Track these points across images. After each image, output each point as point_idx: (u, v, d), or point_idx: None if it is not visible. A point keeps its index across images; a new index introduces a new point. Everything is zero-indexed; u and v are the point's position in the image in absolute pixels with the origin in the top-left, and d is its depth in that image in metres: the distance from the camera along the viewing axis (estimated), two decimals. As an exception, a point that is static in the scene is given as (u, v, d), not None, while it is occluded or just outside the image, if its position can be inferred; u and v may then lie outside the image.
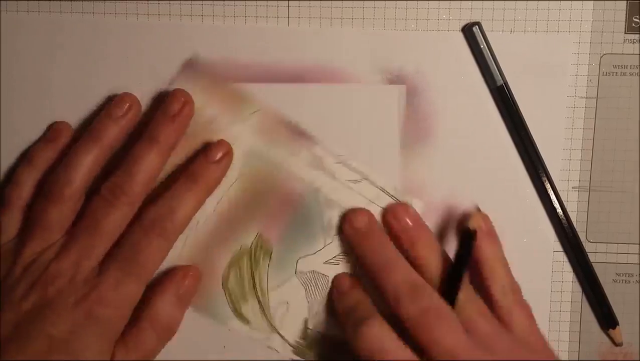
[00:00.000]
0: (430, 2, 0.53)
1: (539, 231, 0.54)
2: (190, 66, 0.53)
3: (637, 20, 0.52)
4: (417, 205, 0.54)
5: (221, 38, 0.53)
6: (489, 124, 0.53)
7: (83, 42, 0.53)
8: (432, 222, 0.54)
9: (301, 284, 0.55)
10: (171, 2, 0.53)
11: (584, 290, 0.55)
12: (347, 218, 0.53)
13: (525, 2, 0.52)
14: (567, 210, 0.53)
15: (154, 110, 0.52)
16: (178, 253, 0.54)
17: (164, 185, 0.53)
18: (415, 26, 0.53)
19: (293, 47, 0.53)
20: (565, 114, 0.53)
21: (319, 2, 0.53)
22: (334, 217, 0.54)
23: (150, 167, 0.51)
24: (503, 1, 0.52)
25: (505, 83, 0.52)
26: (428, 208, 0.54)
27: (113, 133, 0.52)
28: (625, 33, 0.52)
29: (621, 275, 0.55)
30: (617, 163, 0.54)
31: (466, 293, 0.50)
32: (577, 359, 0.55)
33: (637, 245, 0.54)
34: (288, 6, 0.53)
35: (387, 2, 0.53)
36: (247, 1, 0.53)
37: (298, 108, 0.53)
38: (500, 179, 0.54)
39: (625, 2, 0.52)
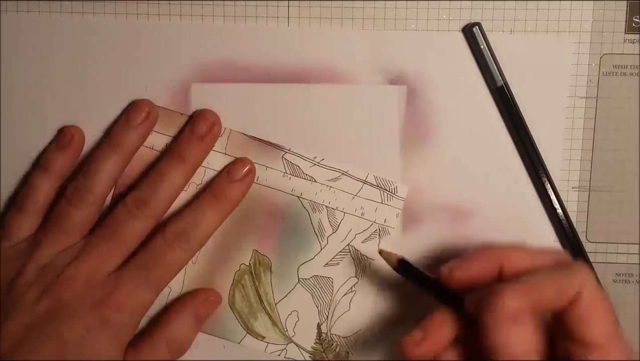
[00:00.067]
0: (430, 2, 0.52)
1: (539, 231, 0.54)
2: (191, 66, 0.53)
3: (637, 20, 0.52)
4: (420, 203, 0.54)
5: (221, 38, 0.53)
6: (489, 124, 0.53)
7: (83, 42, 0.53)
8: (432, 221, 0.54)
9: (307, 291, 0.55)
10: (171, 2, 0.53)
11: (584, 290, 0.55)
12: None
13: (525, 2, 0.52)
14: (567, 210, 0.53)
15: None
16: (181, 284, 0.55)
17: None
18: (415, 26, 0.53)
19: (293, 47, 0.53)
20: (565, 114, 0.53)
21: (319, 2, 0.53)
22: (323, 218, 0.54)
23: (175, 184, 0.52)
24: (503, 1, 0.52)
25: (505, 83, 0.52)
26: (428, 208, 0.54)
27: (132, 140, 0.52)
28: (625, 33, 0.52)
29: (621, 275, 0.55)
30: (617, 163, 0.54)
31: None
32: (577, 359, 0.55)
33: (637, 245, 0.54)
34: (288, 6, 0.53)
35: (387, 2, 0.52)
36: (247, 1, 0.53)
37: (298, 108, 0.53)
38: (500, 179, 0.54)
39: (625, 2, 0.52)
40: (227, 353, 0.55)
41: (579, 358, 0.42)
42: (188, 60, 0.53)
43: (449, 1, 0.52)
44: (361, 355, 0.55)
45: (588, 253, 0.54)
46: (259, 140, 0.54)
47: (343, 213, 0.54)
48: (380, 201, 0.54)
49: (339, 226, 0.54)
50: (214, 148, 0.53)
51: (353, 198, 0.54)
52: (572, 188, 0.54)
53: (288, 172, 0.54)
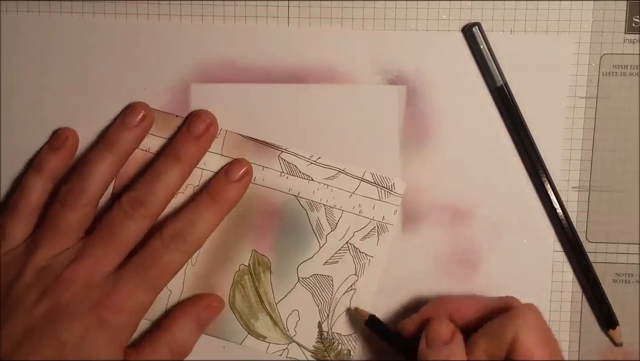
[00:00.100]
0: (430, 2, 0.53)
1: (539, 231, 0.54)
2: (191, 66, 0.53)
3: (637, 20, 0.52)
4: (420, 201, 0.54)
5: (221, 38, 0.53)
6: (489, 124, 0.53)
7: (83, 43, 0.53)
8: (431, 221, 0.54)
9: (307, 289, 0.55)
10: (171, 2, 0.53)
11: (584, 290, 0.55)
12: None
13: (525, 2, 0.52)
14: (567, 210, 0.53)
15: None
16: (180, 286, 0.55)
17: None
18: (415, 26, 0.53)
19: (293, 47, 0.53)
20: (565, 114, 0.53)
21: (319, 2, 0.53)
22: (321, 217, 0.54)
23: (171, 183, 0.52)
24: (503, 1, 0.52)
25: (505, 83, 0.52)
26: (428, 208, 0.54)
27: (127, 141, 0.52)
28: (625, 33, 0.52)
29: (621, 275, 0.55)
30: (617, 163, 0.54)
31: None
32: (577, 359, 0.55)
33: (637, 245, 0.54)
34: (288, 6, 0.53)
35: (387, 2, 0.53)
36: (247, 1, 0.53)
37: (298, 108, 0.53)
38: (500, 179, 0.54)
39: (625, 2, 0.52)
40: (227, 353, 0.56)
41: None
42: (188, 60, 0.53)
43: (449, 1, 0.52)
44: (363, 353, 0.55)
45: (588, 253, 0.54)
46: (255, 140, 0.54)
47: (341, 211, 0.54)
48: (378, 198, 0.54)
49: (337, 224, 0.54)
50: (210, 150, 0.54)
51: (351, 196, 0.54)
52: (572, 188, 0.54)
53: (285, 171, 0.54)
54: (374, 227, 0.54)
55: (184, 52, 0.53)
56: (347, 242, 0.54)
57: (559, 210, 0.53)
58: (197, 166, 0.53)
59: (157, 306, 0.54)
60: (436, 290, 0.54)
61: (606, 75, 0.53)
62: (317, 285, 0.55)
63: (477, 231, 0.54)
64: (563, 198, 0.53)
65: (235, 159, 0.54)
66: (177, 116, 0.53)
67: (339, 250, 0.54)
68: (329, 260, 0.55)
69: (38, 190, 0.52)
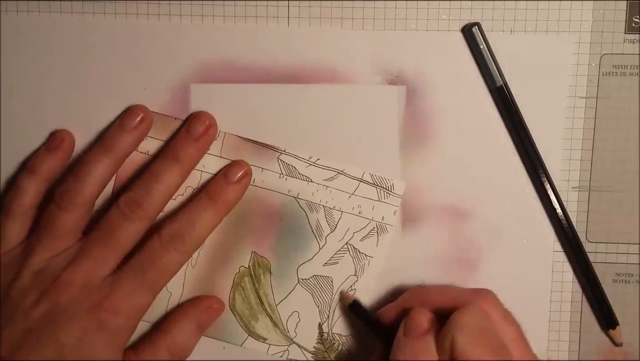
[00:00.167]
0: (430, 2, 0.52)
1: (539, 231, 0.54)
2: (191, 66, 0.53)
3: (637, 20, 0.52)
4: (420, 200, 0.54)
5: (221, 38, 0.53)
6: (488, 124, 0.53)
7: (83, 43, 0.53)
8: (431, 221, 0.54)
9: (307, 291, 0.55)
10: (171, 2, 0.53)
11: (584, 290, 0.55)
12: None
13: (525, 2, 0.52)
14: (567, 210, 0.53)
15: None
16: (180, 288, 0.55)
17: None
18: (415, 26, 0.53)
19: (293, 47, 0.53)
20: (565, 114, 0.53)
21: (319, 2, 0.53)
22: (320, 218, 0.54)
23: (169, 184, 0.52)
24: (503, 1, 0.52)
25: (505, 83, 0.52)
26: (428, 208, 0.54)
27: (125, 143, 0.52)
28: (625, 33, 0.52)
29: (621, 275, 0.55)
30: (617, 163, 0.54)
31: None
32: (577, 359, 0.55)
33: (637, 245, 0.54)
34: (288, 6, 0.53)
35: (387, 2, 0.53)
36: (247, 1, 0.53)
37: (298, 109, 0.53)
38: (500, 179, 0.54)
39: (625, 2, 0.52)
40: (228, 354, 0.56)
41: None
42: (188, 60, 0.53)
43: (448, 1, 0.52)
44: (363, 354, 0.55)
45: (588, 253, 0.54)
46: (254, 142, 0.54)
47: (340, 212, 0.54)
48: (377, 199, 0.54)
49: (336, 225, 0.54)
50: (209, 152, 0.54)
51: (350, 197, 0.54)
52: (572, 188, 0.54)
53: (284, 173, 0.54)
54: (374, 228, 0.54)
55: (184, 52, 0.53)
56: (346, 243, 0.54)
57: (559, 210, 0.53)
58: (196, 168, 0.53)
59: (156, 309, 0.55)
60: (436, 290, 0.54)
61: (606, 75, 0.53)
62: (317, 286, 0.55)
63: (477, 231, 0.54)
64: (563, 198, 0.53)
65: (234, 161, 0.54)
66: (176, 118, 0.53)
67: (339, 251, 0.55)
68: (329, 261, 0.55)
69: (31, 191, 0.52)
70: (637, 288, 0.55)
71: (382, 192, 0.54)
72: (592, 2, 0.52)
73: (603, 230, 0.54)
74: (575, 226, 0.54)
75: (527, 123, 0.53)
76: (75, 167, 0.52)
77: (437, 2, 0.52)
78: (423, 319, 0.48)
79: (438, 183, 0.54)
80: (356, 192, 0.54)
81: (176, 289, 0.55)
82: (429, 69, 0.53)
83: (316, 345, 0.56)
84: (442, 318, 0.48)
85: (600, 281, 0.54)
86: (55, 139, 0.53)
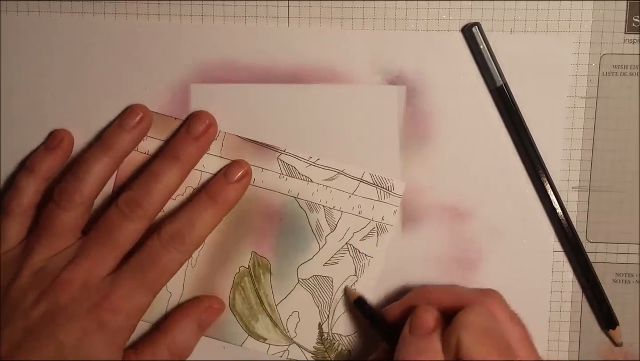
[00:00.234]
0: (430, 2, 0.52)
1: (539, 231, 0.54)
2: (191, 66, 0.53)
3: (637, 20, 0.52)
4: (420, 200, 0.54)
5: (221, 38, 0.53)
6: (488, 124, 0.53)
7: (83, 43, 0.53)
8: (431, 221, 0.54)
9: (307, 291, 0.55)
10: (171, 2, 0.53)
11: (584, 290, 0.55)
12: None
13: (525, 2, 0.52)
14: (567, 210, 0.53)
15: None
16: (180, 288, 0.55)
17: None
18: (415, 26, 0.53)
19: (293, 47, 0.53)
20: (565, 114, 0.53)
21: (319, 2, 0.53)
22: (320, 218, 0.54)
23: (169, 183, 0.52)
24: (503, 1, 0.52)
25: (505, 83, 0.52)
26: (428, 208, 0.54)
27: (124, 143, 0.52)
28: (625, 33, 0.52)
29: (621, 275, 0.55)
30: (617, 163, 0.54)
31: None
32: (577, 359, 0.55)
33: (637, 245, 0.54)
34: (288, 6, 0.53)
35: (387, 2, 0.53)
36: (247, 1, 0.53)
37: (298, 109, 0.53)
38: (500, 179, 0.54)
39: (625, 2, 0.52)
40: (228, 354, 0.56)
41: None
42: (188, 60, 0.53)
43: (448, 1, 0.52)
44: (363, 354, 0.55)
45: (588, 253, 0.54)
46: (254, 142, 0.54)
47: (340, 212, 0.54)
48: (377, 199, 0.54)
49: (336, 225, 0.54)
50: (209, 152, 0.54)
51: (350, 196, 0.54)
52: (572, 188, 0.54)
53: (284, 173, 0.54)
54: (374, 228, 0.54)
55: (184, 52, 0.53)
56: (346, 243, 0.54)
57: (559, 210, 0.53)
58: (196, 168, 0.53)
59: (156, 309, 0.55)
60: (436, 290, 0.54)
61: (606, 75, 0.53)
62: (317, 286, 0.55)
63: (477, 231, 0.54)
64: (563, 198, 0.53)
65: (234, 160, 0.54)
66: (175, 118, 0.53)
67: (339, 250, 0.55)
68: (329, 261, 0.55)
69: (30, 190, 0.52)
70: (637, 288, 0.55)
71: (382, 192, 0.54)
72: (592, 2, 0.52)
73: (603, 230, 0.54)
74: (575, 226, 0.54)
75: (527, 123, 0.53)
76: (74, 166, 0.52)
77: (437, 2, 0.52)
78: (429, 317, 0.48)
79: (438, 183, 0.54)
80: (356, 192, 0.54)
81: (176, 289, 0.55)
82: (429, 69, 0.53)
83: (316, 345, 0.56)
84: (448, 317, 0.48)
85: (600, 281, 0.54)
86: (55, 139, 0.53)
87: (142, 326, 0.54)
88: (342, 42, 0.53)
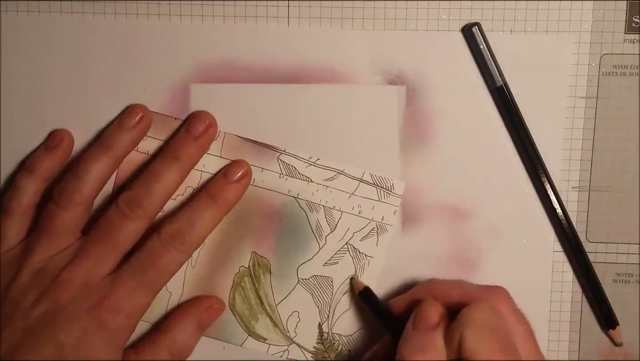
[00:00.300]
0: (430, 2, 0.52)
1: (539, 231, 0.54)
2: (191, 66, 0.53)
3: (637, 20, 0.52)
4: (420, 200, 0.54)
5: (221, 38, 0.53)
6: (488, 124, 0.53)
7: (83, 43, 0.53)
8: (431, 221, 0.54)
9: (307, 291, 0.55)
10: (171, 2, 0.53)
11: (584, 290, 0.55)
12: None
13: (525, 2, 0.52)
14: (567, 210, 0.53)
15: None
16: (180, 288, 0.55)
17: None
18: (415, 26, 0.53)
19: (293, 47, 0.53)
20: (565, 114, 0.53)
21: (319, 2, 0.53)
22: (320, 218, 0.54)
23: (169, 183, 0.52)
24: (503, 1, 0.52)
25: (505, 83, 0.52)
26: (428, 208, 0.54)
27: (124, 142, 0.52)
28: (625, 33, 0.52)
29: (621, 275, 0.55)
30: (617, 163, 0.54)
31: None
32: (577, 359, 0.55)
33: (637, 245, 0.54)
34: (288, 6, 0.53)
35: (387, 2, 0.53)
36: (247, 1, 0.53)
37: (298, 109, 0.53)
38: (500, 179, 0.54)
39: (625, 2, 0.52)
40: (228, 354, 0.56)
41: None
42: (188, 60, 0.53)
43: (449, 1, 0.52)
44: (363, 354, 0.55)
45: (588, 253, 0.54)
46: (254, 142, 0.54)
47: (340, 212, 0.54)
48: (377, 199, 0.54)
49: (336, 225, 0.54)
50: (209, 152, 0.54)
51: (350, 197, 0.54)
52: (572, 188, 0.54)
53: (284, 173, 0.54)
54: (374, 228, 0.54)
55: (184, 52, 0.53)
56: (346, 243, 0.54)
57: (559, 210, 0.53)
58: (196, 168, 0.53)
59: (156, 309, 0.55)
60: (436, 290, 0.54)
61: (606, 75, 0.53)
62: (317, 286, 0.55)
63: (477, 231, 0.54)
64: (563, 198, 0.53)
65: (234, 160, 0.54)
66: (176, 118, 0.53)
67: (339, 250, 0.55)
68: (329, 261, 0.55)
69: (30, 190, 0.52)
70: (637, 288, 0.55)
71: (382, 192, 0.54)
72: (592, 2, 0.52)
73: (603, 230, 0.54)
74: (575, 226, 0.54)
75: (527, 123, 0.53)
76: (74, 166, 0.52)
77: (437, 2, 0.52)
78: (433, 312, 0.48)
79: (438, 183, 0.54)
80: (356, 192, 0.54)
81: (176, 289, 0.55)
82: (429, 69, 0.53)
83: (316, 345, 0.56)
84: (454, 313, 0.48)
85: (600, 281, 0.54)
86: (54, 138, 0.53)
87: (142, 326, 0.54)
88: (342, 42, 0.53)
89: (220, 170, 0.54)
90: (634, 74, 0.53)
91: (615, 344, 0.55)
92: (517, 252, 0.54)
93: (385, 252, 0.54)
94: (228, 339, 0.55)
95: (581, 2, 0.52)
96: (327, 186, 0.54)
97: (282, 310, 0.55)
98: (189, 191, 0.54)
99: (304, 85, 0.53)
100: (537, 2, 0.52)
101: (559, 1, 0.52)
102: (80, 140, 0.54)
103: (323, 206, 0.54)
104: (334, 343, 0.56)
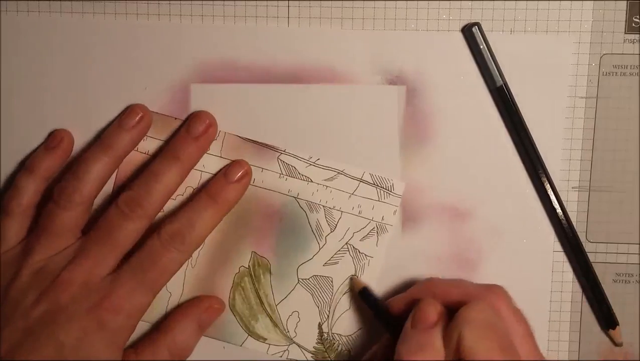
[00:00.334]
0: (430, 2, 0.52)
1: (539, 231, 0.54)
2: (191, 66, 0.53)
3: (637, 20, 0.52)
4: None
5: (221, 38, 0.53)
6: (488, 124, 0.53)
7: (83, 43, 0.53)
8: (431, 221, 0.54)
9: (307, 291, 0.55)
10: (171, 2, 0.53)
11: (584, 290, 0.55)
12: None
13: (525, 2, 0.52)
14: (567, 210, 0.53)
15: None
16: (180, 289, 0.55)
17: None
18: (415, 26, 0.53)
19: (293, 47, 0.53)
20: (565, 114, 0.53)
21: (319, 2, 0.53)
22: (320, 218, 0.54)
23: (169, 183, 0.52)
24: (503, 1, 0.52)
25: (505, 83, 0.52)
26: (428, 208, 0.54)
27: (123, 142, 0.52)
28: (625, 33, 0.52)
29: (621, 275, 0.55)
30: (617, 163, 0.54)
31: None
32: (577, 359, 0.55)
33: (637, 245, 0.54)
34: (288, 6, 0.53)
35: (387, 2, 0.53)
36: (247, 1, 0.53)
37: (298, 109, 0.53)
38: (500, 179, 0.54)
39: (625, 2, 0.52)
40: (228, 354, 0.56)
41: None
42: (188, 60, 0.53)
43: (449, 1, 0.52)
44: (363, 354, 0.55)
45: (588, 253, 0.54)
46: (254, 142, 0.54)
47: (340, 212, 0.54)
48: (377, 199, 0.54)
49: (336, 225, 0.54)
50: (209, 152, 0.54)
51: (350, 197, 0.54)
52: (572, 188, 0.54)
53: (284, 173, 0.54)
54: (374, 228, 0.54)
55: (184, 52, 0.53)
56: (346, 243, 0.54)
57: (559, 210, 0.53)
58: (196, 168, 0.53)
59: (156, 309, 0.55)
60: (436, 290, 0.54)
61: (606, 75, 0.53)
62: (317, 286, 0.55)
63: (477, 231, 0.54)
64: (563, 198, 0.53)
65: (234, 160, 0.54)
66: (176, 118, 0.53)
67: (339, 250, 0.55)
68: (329, 261, 0.55)
69: (30, 190, 0.52)
70: (637, 288, 0.55)
71: (382, 192, 0.54)
72: (592, 2, 0.52)
73: (603, 230, 0.54)
74: (575, 226, 0.54)
75: (527, 123, 0.53)
76: (74, 166, 0.52)
77: (437, 2, 0.52)
78: (432, 311, 0.48)
79: (438, 183, 0.54)
80: (356, 192, 0.54)
81: (176, 289, 0.55)
82: (429, 69, 0.53)
83: (316, 345, 0.56)
84: (452, 311, 0.48)
85: (600, 281, 0.54)
86: (54, 138, 0.53)
87: (142, 326, 0.54)
88: (342, 42, 0.53)
89: (220, 170, 0.54)
90: (634, 74, 0.53)
91: (615, 344, 0.55)
92: (517, 252, 0.54)
93: (385, 252, 0.54)
94: (228, 339, 0.55)
95: (581, 2, 0.52)
96: (327, 186, 0.54)
97: (282, 310, 0.55)
98: (189, 191, 0.54)
99: (304, 85, 0.53)
100: (537, 2, 0.52)
101: (559, 1, 0.52)
102: (80, 140, 0.54)
103: (323, 206, 0.54)
104: (334, 343, 0.56)
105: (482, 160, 0.54)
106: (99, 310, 0.49)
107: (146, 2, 0.53)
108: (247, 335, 0.55)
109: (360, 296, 0.53)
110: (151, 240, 0.51)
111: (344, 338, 0.56)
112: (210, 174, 0.54)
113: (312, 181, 0.54)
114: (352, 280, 0.55)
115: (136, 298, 0.50)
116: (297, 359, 0.56)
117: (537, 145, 0.53)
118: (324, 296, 0.55)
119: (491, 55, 0.52)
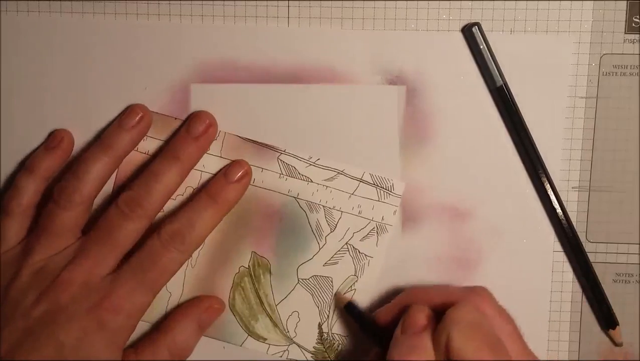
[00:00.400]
0: (430, 2, 0.52)
1: (539, 231, 0.54)
2: (190, 66, 0.53)
3: (637, 20, 0.52)
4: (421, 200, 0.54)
5: (221, 38, 0.53)
6: (488, 124, 0.53)
7: (83, 43, 0.53)
8: (431, 221, 0.54)
9: (307, 291, 0.55)
10: (171, 2, 0.53)
11: (584, 290, 0.55)
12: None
13: (525, 2, 0.52)
14: (567, 210, 0.53)
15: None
16: (180, 289, 0.55)
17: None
18: (415, 26, 0.53)
19: (293, 47, 0.53)
20: (565, 114, 0.53)
21: (319, 2, 0.53)
22: (320, 218, 0.54)
23: (169, 183, 0.52)
24: (503, 1, 0.52)
25: (505, 83, 0.52)
26: (428, 208, 0.54)
27: (123, 142, 0.52)
28: (625, 33, 0.52)
29: (621, 275, 0.55)
30: (617, 163, 0.54)
31: None
32: (577, 359, 0.55)
33: (637, 245, 0.54)
34: (288, 6, 0.53)
35: (387, 2, 0.53)
36: (247, 1, 0.53)
37: (298, 109, 0.53)
38: (500, 179, 0.54)
39: (625, 2, 0.52)
40: (227, 354, 0.56)
41: None
42: (188, 60, 0.53)
43: (449, 1, 0.52)
44: (363, 354, 0.55)
45: (588, 253, 0.54)
46: (254, 142, 0.54)
47: (340, 212, 0.54)
48: (377, 199, 0.54)
49: (336, 225, 0.54)
50: (209, 152, 0.54)
51: (350, 197, 0.54)
52: (572, 188, 0.54)
53: (284, 173, 0.54)
54: (373, 228, 0.54)
55: (184, 52, 0.53)
56: (346, 243, 0.54)
57: (559, 210, 0.53)
58: (196, 168, 0.53)
59: (156, 309, 0.55)
60: (436, 290, 0.54)
61: (606, 75, 0.53)
62: (317, 286, 0.55)
63: (477, 231, 0.54)
64: (563, 198, 0.53)
65: (234, 160, 0.54)
66: (176, 118, 0.53)
67: (339, 251, 0.55)
68: (329, 261, 0.55)
69: (30, 190, 0.52)
70: (637, 288, 0.55)
71: (382, 192, 0.54)
72: (592, 2, 0.52)
73: (603, 230, 0.54)
74: (575, 226, 0.54)
75: (527, 123, 0.53)
76: (74, 166, 0.52)
77: (437, 2, 0.52)
78: (421, 316, 0.48)
79: (438, 183, 0.54)
80: (356, 192, 0.54)
81: (176, 289, 0.55)
82: (429, 69, 0.53)
83: (316, 345, 0.56)
84: (439, 315, 0.48)
85: (600, 281, 0.54)
86: (54, 138, 0.53)
87: (142, 326, 0.54)
88: (342, 42, 0.53)
89: (220, 170, 0.54)
90: (634, 74, 0.53)
91: (615, 344, 0.55)
92: (517, 252, 0.54)
93: (385, 252, 0.54)
94: (228, 339, 0.55)
95: (581, 2, 0.52)
96: (327, 186, 0.54)
97: (282, 310, 0.55)
98: (189, 191, 0.54)
99: (304, 85, 0.53)
100: (537, 2, 0.52)
101: (559, 1, 0.52)
102: (80, 140, 0.54)
103: (323, 206, 0.54)
104: (334, 343, 0.56)
105: (482, 160, 0.54)
106: (99, 310, 0.49)
107: (146, 2, 0.53)
108: (247, 335, 0.55)
109: (346, 310, 0.53)
110: (151, 240, 0.51)
111: (344, 338, 0.56)
112: (210, 174, 0.54)
113: (312, 181, 0.54)
114: (337, 296, 0.55)
115: (136, 298, 0.50)
116: (297, 359, 0.56)
117: (537, 145, 0.53)
118: (324, 296, 0.55)
119: (491, 55, 0.52)
